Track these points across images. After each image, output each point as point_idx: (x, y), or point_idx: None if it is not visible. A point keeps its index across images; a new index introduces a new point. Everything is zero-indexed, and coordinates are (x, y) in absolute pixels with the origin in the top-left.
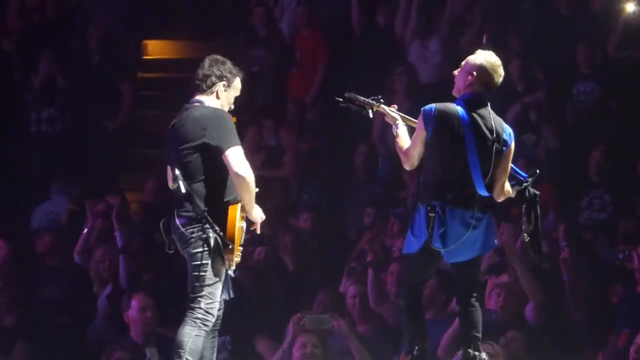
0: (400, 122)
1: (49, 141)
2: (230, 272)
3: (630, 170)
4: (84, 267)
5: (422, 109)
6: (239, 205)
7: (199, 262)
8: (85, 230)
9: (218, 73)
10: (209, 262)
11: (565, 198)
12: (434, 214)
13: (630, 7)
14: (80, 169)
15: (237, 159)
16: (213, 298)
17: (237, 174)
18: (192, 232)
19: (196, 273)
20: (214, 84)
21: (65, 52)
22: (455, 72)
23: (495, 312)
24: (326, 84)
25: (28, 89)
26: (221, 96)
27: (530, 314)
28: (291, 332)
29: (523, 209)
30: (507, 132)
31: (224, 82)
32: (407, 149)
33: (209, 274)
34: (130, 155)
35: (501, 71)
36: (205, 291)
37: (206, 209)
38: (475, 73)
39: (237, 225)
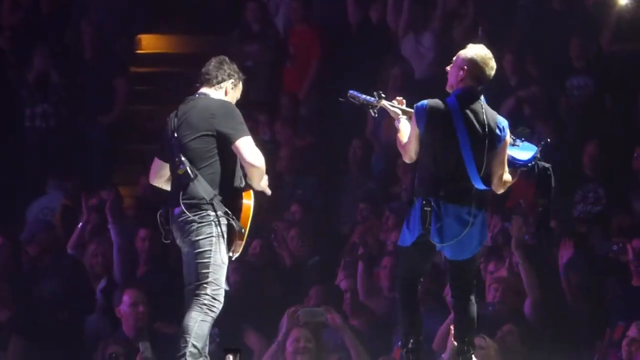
0: (402, 116)
1: (43, 137)
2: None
3: (624, 164)
4: (81, 262)
5: (414, 105)
6: (252, 192)
7: (205, 249)
8: (80, 224)
9: (228, 71)
10: (215, 248)
11: (559, 192)
12: (429, 209)
13: (623, 1)
14: (75, 165)
15: (249, 148)
16: (219, 284)
17: (250, 164)
18: (196, 218)
19: (201, 260)
20: (223, 80)
21: (59, 47)
22: (448, 68)
23: (492, 304)
24: (320, 78)
25: (22, 85)
26: (229, 93)
27: (529, 310)
28: (285, 325)
29: (535, 185)
30: (501, 125)
31: (232, 81)
32: (405, 144)
33: (214, 260)
34: (124, 150)
35: (493, 64)
36: (211, 277)
37: (215, 193)
38: (466, 67)
39: (251, 212)
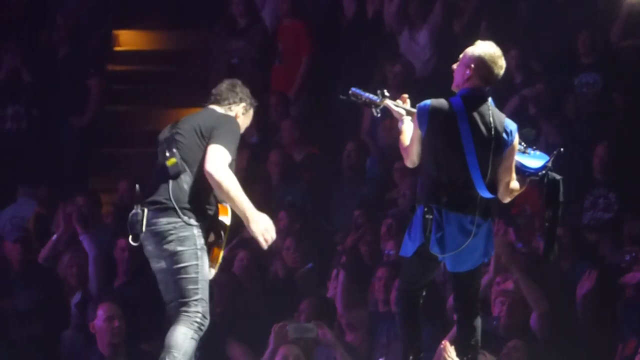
0: (406, 117)
1: (14, 139)
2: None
3: (637, 167)
4: (56, 273)
5: (417, 105)
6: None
7: (191, 263)
8: (55, 236)
9: (240, 95)
10: (201, 262)
11: (567, 197)
12: (431, 216)
13: None
14: (48, 169)
15: (215, 156)
16: (207, 300)
17: (206, 170)
18: (178, 225)
19: (188, 276)
20: (234, 103)
21: (30, 45)
22: (454, 66)
23: (497, 319)
24: (311, 77)
25: None
26: (240, 117)
27: (535, 324)
28: (273, 342)
29: (544, 197)
30: (509, 129)
31: (244, 105)
32: (407, 147)
33: (201, 275)
34: (101, 154)
35: (502, 62)
36: (201, 294)
37: (201, 199)
38: (473, 66)
39: (228, 222)
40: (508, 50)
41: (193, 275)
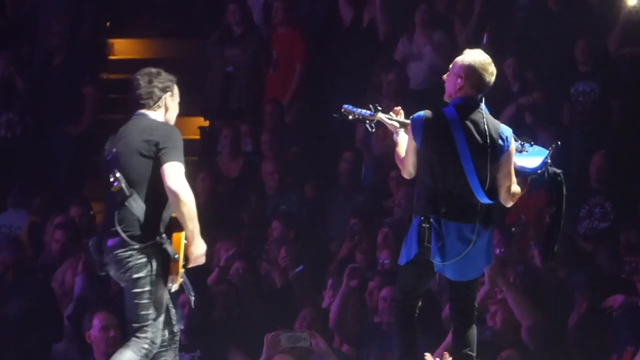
0: (400, 129)
1: (8, 147)
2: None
3: (633, 176)
4: (48, 283)
5: (410, 117)
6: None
7: (145, 289)
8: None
9: (161, 85)
10: (155, 286)
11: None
12: (427, 225)
13: (632, 1)
14: (42, 177)
15: (175, 173)
16: (158, 326)
17: (170, 189)
18: (134, 252)
19: (141, 301)
20: (160, 98)
21: (25, 52)
22: (445, 76)
23: (490, 328)
24: (306, 84)
25: None
26: (170, 106)
27: (525, 336)
28: (265, 351)
29: (546, 192)
30: (504, 135)
31: (169, 93)
32: (403, 158)
33: (154, 299)
34: (95, 162)
35: (492, 69)
36: (151, 318)
37: (150, 219)
38: (464, 75)
39: (182, 242)
40: (505, 59)
41: (146, 301)
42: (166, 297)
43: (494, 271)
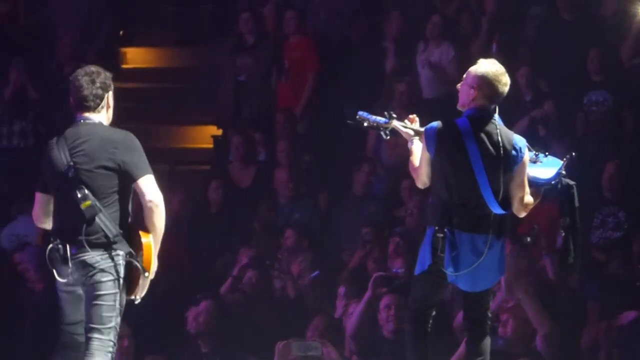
0: (415, 137)
1: (21, 156)
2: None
3: None
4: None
5: (424, 128)
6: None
7: (110, 292)
8: None
9: (104, 85)
10: (120, 291)
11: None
12: (441, 235)
13: None
14: None
15: (152, 187)
16: (118, 329)
17: (152, 202)
18: (99, 259)
19: (107, 303)
20: (103, 98)
21: (37, 61)
22: (459, 86)
23: (503, 338)
24: (318, 93)
25: None
26: (110, 104)
27: (540, 345)
28: (277, 356)
29: (559, 203)
30: (517, 145)
31: (110, 91)
32: (417, 168)
33: (119, 303)
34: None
35: (506, 80)
36: (114, 322)
37: (120, 231)
38: (476, 85)
39: (152, 250)
40: (518, 68)
41: (111, 303)
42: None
43: (511, 278)
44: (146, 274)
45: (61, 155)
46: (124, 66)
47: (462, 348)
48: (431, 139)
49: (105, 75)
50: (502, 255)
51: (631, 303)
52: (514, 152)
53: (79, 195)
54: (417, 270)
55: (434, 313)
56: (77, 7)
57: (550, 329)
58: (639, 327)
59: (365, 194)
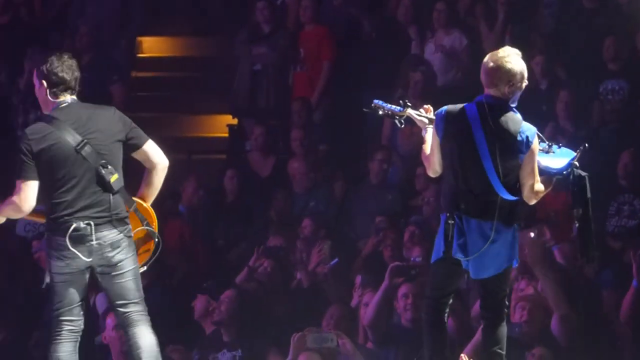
0: (429, 126)
1: None
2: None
3: None
4: None
5: (435, 112)
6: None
7: (136, 265)
8: None
9: (77, 68)
10: (138, 264)
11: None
12: (452, 222)
13: None
14: None
15: (158, 149)
16: None
17: (162, 163)
18: (124, 235)
19: (137, 277)
20: (78, 79)
21: (53, 51)
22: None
23: (519, 326)
24: (333, 82)
25: (13, 90)
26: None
27: (556, 327)
28: (292, 352)
29: (571, 194)
30: (524, 133)
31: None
32: (429, 155)
33: (139, 276)
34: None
35: (507, 67)
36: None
37: (126, 210)
38: (482, 74)
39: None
40: (533, 57)
41: (138, 277)
42: None
43: (532, 260)
44: (156, 239)
45: (68, 137)
46: (140, 55)
47: (477, 335)
48: (440, 122)
49: (74, 59)
50: (512, 243)
51: None
52: (519, 138)
53: (104, 171)
54: (433, 258)
55: (450, 301)
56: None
57: (566, 311)
58: None
59: (381, 183)
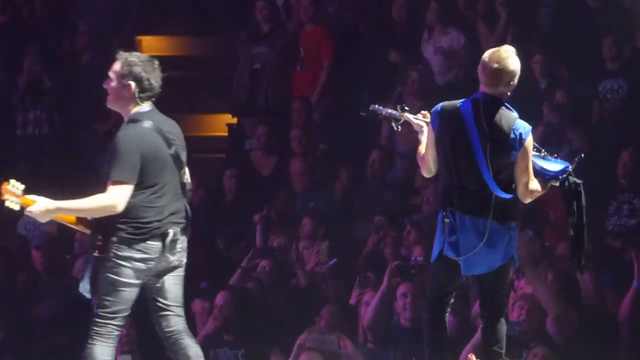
0: (425, 129)
1: (36, 144)
2: None
3: None
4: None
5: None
6: None
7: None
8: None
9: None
10: None
11: (590, 203)
12: (448, 220)
13: None
14: (70, 175)
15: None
16: None
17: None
18: (185, 239)
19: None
20: None
21: (52, 49)
22: None
23: (519, 324)
24: (332, 81)
25: (13, 89)
26: None
27: (551, 328)
28: (294, 351)
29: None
30: (518, 130)
31: None
32: (424, 154)
33: None
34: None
35: (497, 66)
36: None
37: None
38: (484, 72)
39: None
40: (532, 56)
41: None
42: None
43: (523, 261)
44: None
45: (162, 142)
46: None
47: (478, 335)
48: (435, 118)
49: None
50: (509, 243)
51: None
52: (512, 135)
53: (187, 178)
54: (432, 257)
55: (451, 301)
56: None
57: (560, 312)
58: None
59: (380, 182)
